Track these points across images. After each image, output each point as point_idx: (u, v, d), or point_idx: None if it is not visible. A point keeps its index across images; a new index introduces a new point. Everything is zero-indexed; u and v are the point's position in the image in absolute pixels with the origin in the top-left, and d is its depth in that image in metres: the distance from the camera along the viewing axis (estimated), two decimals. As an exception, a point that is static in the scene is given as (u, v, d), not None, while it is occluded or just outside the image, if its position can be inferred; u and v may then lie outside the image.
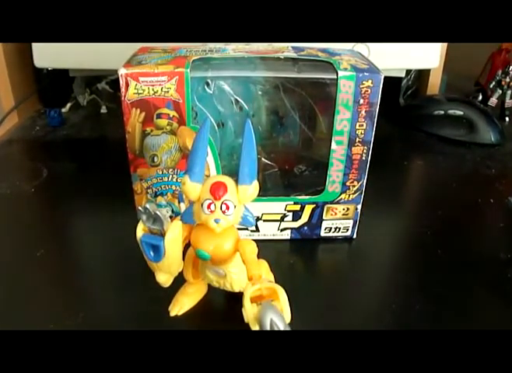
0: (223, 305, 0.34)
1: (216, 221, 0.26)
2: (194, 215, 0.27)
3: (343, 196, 0.39)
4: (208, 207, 0.26)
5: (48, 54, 0.60)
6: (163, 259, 0.27)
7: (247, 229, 0.40)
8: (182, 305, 0.32)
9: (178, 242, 0.27)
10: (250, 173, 0.27)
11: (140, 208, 0.27)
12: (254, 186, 0.27)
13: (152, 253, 0.27)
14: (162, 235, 0.27)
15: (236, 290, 0.30)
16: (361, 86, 0.35)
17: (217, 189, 0.26)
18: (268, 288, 0.27)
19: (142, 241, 0.27)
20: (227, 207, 0.26)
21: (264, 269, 0.31)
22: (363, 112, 0.36)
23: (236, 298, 0.28)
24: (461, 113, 0.64)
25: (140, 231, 0.27)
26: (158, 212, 0.26)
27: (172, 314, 0.32)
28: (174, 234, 0.27)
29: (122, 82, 0.34)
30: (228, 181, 0.27)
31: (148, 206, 0.26)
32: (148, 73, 0.34)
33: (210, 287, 0.33)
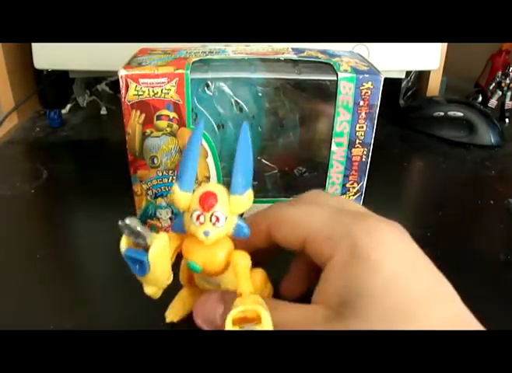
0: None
1: (206, 233, 0.25)
2: (184, 225, 0.26)
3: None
4: (198, 218, 0.25)
5: (48, 56, 0.60)
6: (147, 273, 0.25)
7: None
8: (177, 311, 0.31)
9: (164, 256, 0.26)
10: (244, 182, 0.25)
11: (120, 223, 0.25)
12: (248, 196, 0.26)
13: (137, 267, 0.26)
14: (146, 249, 0.25)
15: None
16: (361, 88, 0.35)
17: (206, 200, 0.24)
18: (253, 311, 0.25)
19: (126, 255, 0.25)
20: (217, 219, 0.25)
21: (260, 280, 0.29)
22: (363, 113, 0.36)
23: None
24: (461, 114, 0.64)
25: (124, 245, 0.26)
26: (139, 228, 0.25)
27: (168, 320, 0.31)
28: (158, 249, 0.25)
29: (122, 84, 0.34)
30: (219, 190, 0.25)
31: (128, 222, 0.25)
32: (148, 74, 0.34)
33: None
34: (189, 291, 0.31)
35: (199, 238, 0.25)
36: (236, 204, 0.25)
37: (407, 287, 0.21)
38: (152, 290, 0.27)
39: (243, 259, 0.26)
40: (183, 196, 0.25)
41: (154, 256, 0.25)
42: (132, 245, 0.26)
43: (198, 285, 0.30)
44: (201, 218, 0.25)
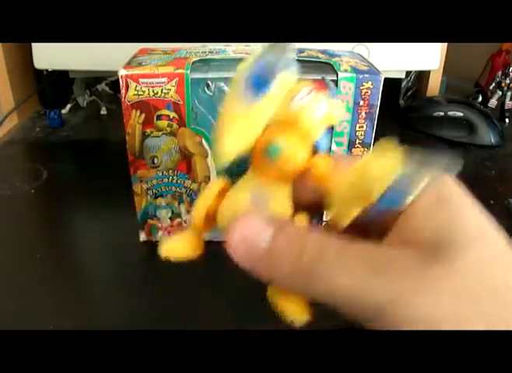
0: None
1: (310, 111, 0.22)
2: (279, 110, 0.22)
3: (343, 197, 0.39)
4: (304, 97, 0.22)
5: (48, 56, 0.60)
6: (264, 95, 0.21)
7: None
8: (176, 249, 0.25)
9: (285, 91, 0.22)
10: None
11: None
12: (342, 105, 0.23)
13: (255, 88, 0.21)
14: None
15: None
16: (361, 88, 0.35)
17: (318, 84, 0.22)
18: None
19: (253, 67, 0.21)
20: (321, 107, 0.22)
21: None
22: (363, 113, 0.36)
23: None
24: (461, 114, 0.64)
25: (254, 59, 0.22)
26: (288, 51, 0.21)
27: (163, 256, 0.25)
28: (289, 80, 0.22)
29: (122, 84, 0.34)
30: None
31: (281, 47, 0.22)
32: (148, 74, 0.34)
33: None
34: (196, 232, 0.25)
35: (301, 115, 0.22)
36: (334, 109, 0.22)
37: (487, 243, 0.20)
38: (232, 138, 0.22)
39: (327, 162, 0.23)
40: (290, 77, 0.22)
41: (284, 78, 0.21)
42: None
43: (226, 214, 0.23)
44: (307, 98, 0.22)
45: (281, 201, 0.23)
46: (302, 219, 0.23)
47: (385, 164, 0.20)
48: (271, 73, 0.21)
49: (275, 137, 0.22)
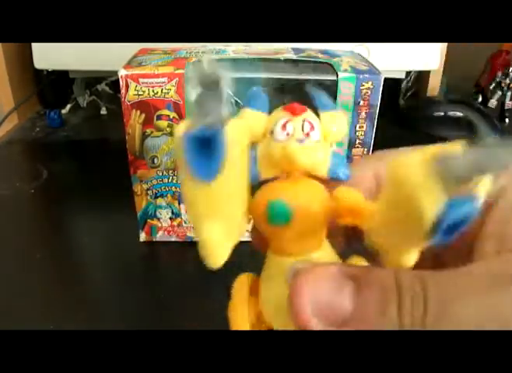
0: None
1: (300, 141, 0.16)
2: (260, 163, 0.17)
3: (343, 197, 0.39)
4: (284, 127, 0.17)
5: (48, 55, 0.60)
6: (218, 173, 0.14)
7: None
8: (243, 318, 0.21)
9: (242, 144, 0.15)
10: (331, 103, 0.19)
11: (195, 67, 0.17)
12: (342, 116, 0.18)
13: (203, 162, 0.14)
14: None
15: None
16: (361, 88, 0.35)
17: (293, 106, 0.18)
18: None
19: (188, 137, 0.14)
20: (311, 127, 0.17)
21: None
22: (363, 113, 0.36)
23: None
24: (461, 114, 0.64)
25: (184, 127, 0.14)
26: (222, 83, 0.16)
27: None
28: (238, 128, 0.15)
29: (122, 84, 0.34)
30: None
31: (206, 65, 0.15)
32: (148, 74, 0.34)
33: None
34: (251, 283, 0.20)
35: (290, 150, 0.16)
36: (330, 123, 0.18)
37: None
38: (215, 229, 0.15)
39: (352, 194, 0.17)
40: (256, 117, 0.18)
41: (232, 134, 0.14)
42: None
43: (275, 312, 0.19)
44: (289, 127, 0.17)
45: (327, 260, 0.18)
46: (360, 262, 0.18)
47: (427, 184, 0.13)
48: (214, 131, 0.14)
49: (274, 191, 0.17)
